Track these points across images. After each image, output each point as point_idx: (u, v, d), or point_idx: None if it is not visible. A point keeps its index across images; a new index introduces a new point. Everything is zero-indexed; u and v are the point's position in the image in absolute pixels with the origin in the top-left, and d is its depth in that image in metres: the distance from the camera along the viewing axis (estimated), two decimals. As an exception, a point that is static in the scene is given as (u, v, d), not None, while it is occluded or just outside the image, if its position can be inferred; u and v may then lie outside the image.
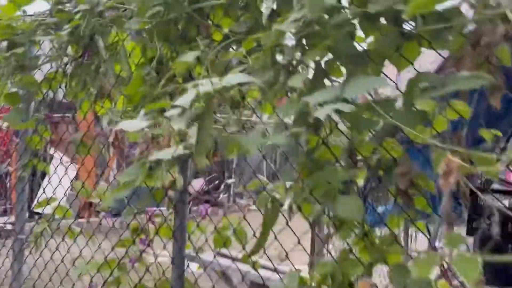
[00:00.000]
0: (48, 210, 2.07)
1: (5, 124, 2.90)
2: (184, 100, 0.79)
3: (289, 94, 1.22)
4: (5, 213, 7.25)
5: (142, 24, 1.36)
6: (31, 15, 1.76)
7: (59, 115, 2.31)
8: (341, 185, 0.95)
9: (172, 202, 1.49)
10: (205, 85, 0.81)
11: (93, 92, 1.67)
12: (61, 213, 1.95)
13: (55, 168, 2.04)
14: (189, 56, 1.15)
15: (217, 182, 9.97)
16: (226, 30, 1.39)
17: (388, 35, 0.96)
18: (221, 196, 10.09)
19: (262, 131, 0.91)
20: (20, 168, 1.96)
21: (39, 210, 2.15)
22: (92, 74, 1.63)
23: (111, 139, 1.51)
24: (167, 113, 0.90)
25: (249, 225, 1.35)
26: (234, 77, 0.86)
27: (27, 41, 1.66)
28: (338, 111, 0.76)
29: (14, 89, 1.78)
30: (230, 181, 9.96)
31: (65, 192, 2.16)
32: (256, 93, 1.48)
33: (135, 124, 0.92)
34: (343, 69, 1.12)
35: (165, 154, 0.97)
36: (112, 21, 1.50)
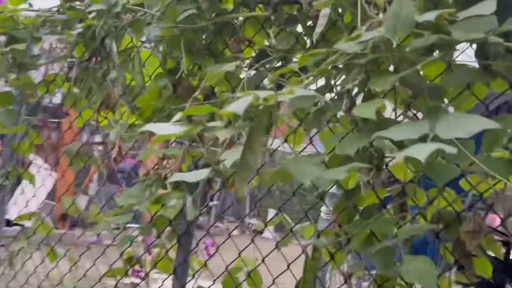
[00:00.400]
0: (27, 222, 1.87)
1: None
2: (238, 106, 0.64)
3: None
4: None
5: (165, 31, 1.22)
6: (36, 10, 1.60)
7: (54, 120, 2.13)
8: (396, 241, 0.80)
9: (176, 233, 1.32)
10: (264, 92, 0.67)
11: (97, 100, 1.50)
12: (43, 230, 1.75)
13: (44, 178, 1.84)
14: (225, 68, 1.01)
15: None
16: (257, 47, 1.26)
17: (461, 70, 0.83)
18: (200, 218, 9.80)
19: (319, 161, 0.76)
20: (2, 176, 1.76)
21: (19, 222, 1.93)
22: (99, 81, 1.47)
23: (114, 154, 1.34)
24: (212, 123, 0.74)
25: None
26: (303, 91, 0.71)
27: (29, 38, 1.50)
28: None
29: (7, 89, 1.60)
30: (212, 203, 9.72)
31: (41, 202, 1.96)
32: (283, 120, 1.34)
33: (166, 128, 0.74)
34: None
35: (191, 176, 0.81)
36: (129, 25, 1.35)
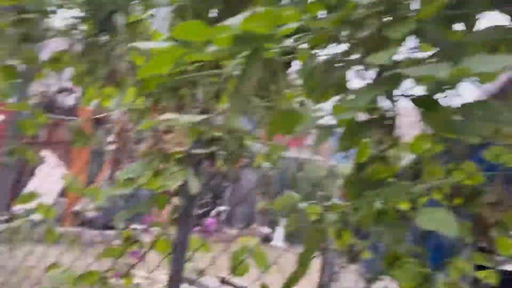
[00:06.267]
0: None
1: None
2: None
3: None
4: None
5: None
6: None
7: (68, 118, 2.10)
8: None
9: (175, 212, 1.26)
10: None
11: (102, 75, 1.46)
12: (43, 212, 1.70)
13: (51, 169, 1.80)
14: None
15: (208, 208, 9.66)
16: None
17: (488, 28, 0.77)
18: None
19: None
20: (4, 153, 1.72)
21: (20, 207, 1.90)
22: (105, 55, 1.42)
23: (116, 129, 1.29)
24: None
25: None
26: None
27: (39, 8, 1.47)
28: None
29: (12, 62, 1.57)
30: (221, 208, 9.66)
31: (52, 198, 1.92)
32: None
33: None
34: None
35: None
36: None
